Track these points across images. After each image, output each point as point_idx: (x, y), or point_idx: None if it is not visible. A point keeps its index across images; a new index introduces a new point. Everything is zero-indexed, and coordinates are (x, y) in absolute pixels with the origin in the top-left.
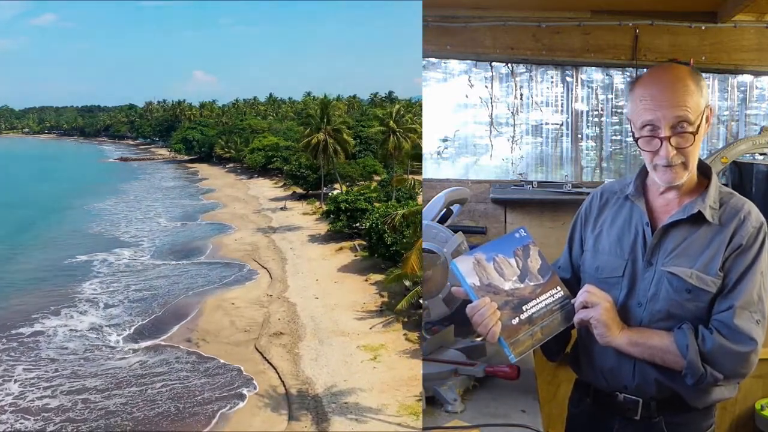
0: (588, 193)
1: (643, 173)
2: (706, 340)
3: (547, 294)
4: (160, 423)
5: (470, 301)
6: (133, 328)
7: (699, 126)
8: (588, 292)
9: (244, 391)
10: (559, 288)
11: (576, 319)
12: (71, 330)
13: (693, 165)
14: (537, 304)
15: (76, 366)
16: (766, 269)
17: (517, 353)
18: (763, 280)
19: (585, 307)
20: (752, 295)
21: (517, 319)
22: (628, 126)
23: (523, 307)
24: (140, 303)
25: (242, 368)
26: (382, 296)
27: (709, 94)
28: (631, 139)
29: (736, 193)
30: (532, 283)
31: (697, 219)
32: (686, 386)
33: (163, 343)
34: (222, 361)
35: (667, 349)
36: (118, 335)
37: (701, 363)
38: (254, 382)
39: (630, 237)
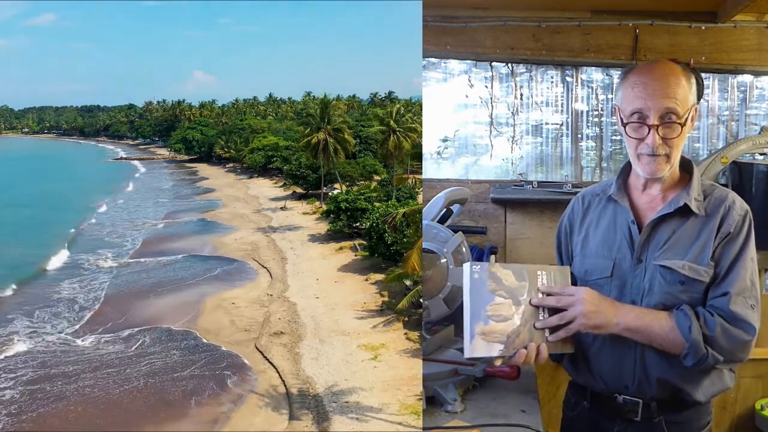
0: None
1: (625, 173)
2: (709, 322)
3: (539, 286)
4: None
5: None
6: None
7: (686, 121)
8: (560, 304)
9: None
10: (540, 272)
11: (563, 336)
12: (43, 329)
13: (676, 158)
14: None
15: (48, 357)
16: (753, 255)
17: (570, 347)
18: (753, 266)
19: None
20: (745, 281)
21: (548, 331)
22: (616, 116)
23: (540, 317)
24: (129, 297)
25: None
26: (382, 296)
27: (695, 95)
28: None
29: (717, 184)
30: (524, 296)
31: (684, 212)
32: (690, 380)
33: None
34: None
35: (667, 334)
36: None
37: (704, 344)
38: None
39: (616, 237)
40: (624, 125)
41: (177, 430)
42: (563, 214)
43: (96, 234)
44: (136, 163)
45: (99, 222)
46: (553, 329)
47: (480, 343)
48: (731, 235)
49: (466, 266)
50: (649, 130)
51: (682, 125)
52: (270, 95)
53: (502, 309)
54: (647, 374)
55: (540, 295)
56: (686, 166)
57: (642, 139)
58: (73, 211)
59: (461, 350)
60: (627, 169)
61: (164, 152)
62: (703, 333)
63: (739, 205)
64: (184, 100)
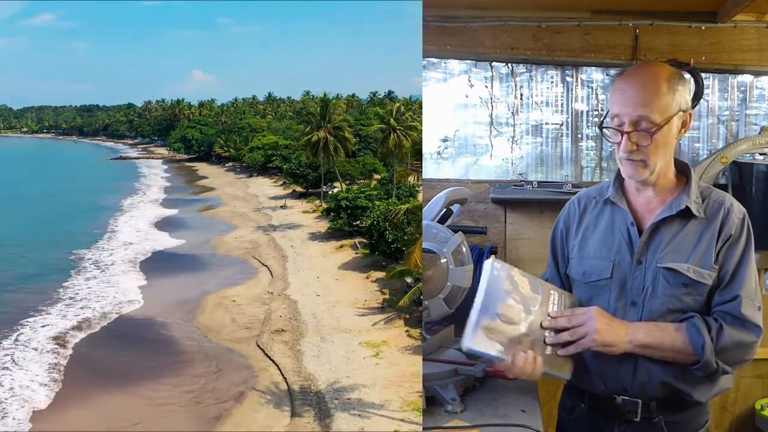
0: None
1: (621, 176)
2: (720, 335)
3: (550, 305)
4: None
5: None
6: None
7: (663, 127)
8: (571, 324)
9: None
10: (552, 291)
11: (573, 351)
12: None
13: (655, 164)
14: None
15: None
16: (753, 257)
17: (567, 371)
18: (755, 268)
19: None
20: (752, 283)
21: (549, 348)
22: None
23: (546, 333)
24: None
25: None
26: (383, 293)
27: (686, 100)
28: None
29: (713, 187)
30: (536, 307)
31: (685, 214)
32: (693, 384)
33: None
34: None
35: (680, 348)
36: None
37: (714, 359)
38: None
39: (615, 238)
40: (601, 128)
41: None
42: (558, 218)
43: (84, 232)
44: (133, 162)
45: (88, 220)
46: (563, 345)
47: (482, 338)
48: (733, 237)
49: (488, 262)
50: (623, 136)
51: (653, 133)
52: (269, 94)
53: (512, 312)
54: (650, 376)
55: (549, 319)
56: (682, 169)
57: (619, 144)
58: (61, 209)
59: (461, 350)
60: None
61: (163, 151)
62: (714, 347)
63: (738, 208)
64: (183, 100)
